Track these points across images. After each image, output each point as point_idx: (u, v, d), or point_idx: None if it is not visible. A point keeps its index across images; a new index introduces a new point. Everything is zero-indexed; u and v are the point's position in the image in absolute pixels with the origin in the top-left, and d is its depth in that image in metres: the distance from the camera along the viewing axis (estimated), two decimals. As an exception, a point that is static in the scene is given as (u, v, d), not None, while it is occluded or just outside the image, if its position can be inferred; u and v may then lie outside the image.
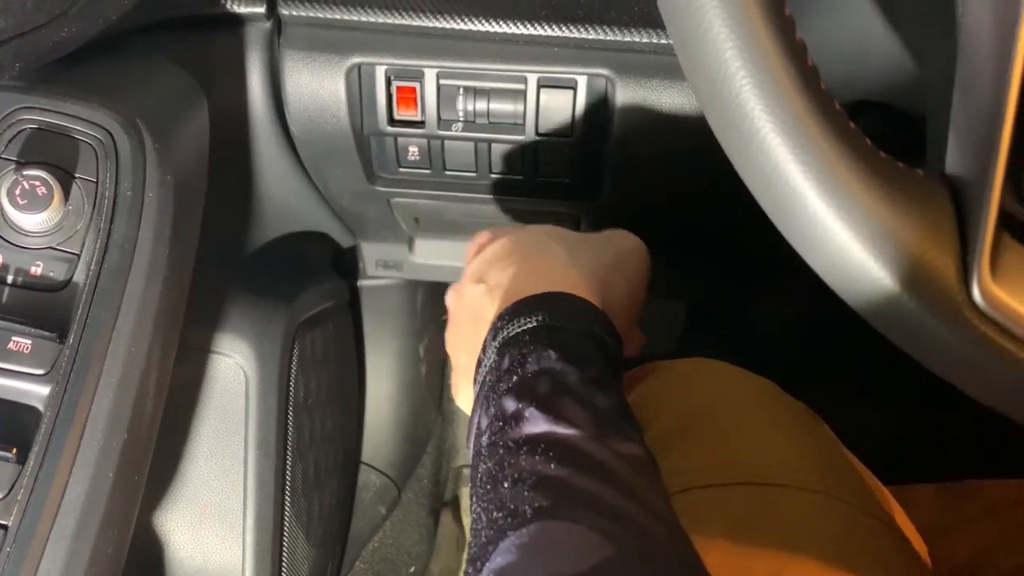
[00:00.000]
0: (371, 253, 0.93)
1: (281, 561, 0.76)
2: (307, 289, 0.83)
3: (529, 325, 0.40)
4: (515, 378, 0.37)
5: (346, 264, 0.96)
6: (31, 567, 0.41)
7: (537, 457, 0.34)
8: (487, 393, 0.39)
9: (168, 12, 0.57)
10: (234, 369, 0.72)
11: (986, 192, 0.30)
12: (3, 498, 0.42)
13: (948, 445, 0.93)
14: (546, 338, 0.38)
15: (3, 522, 0.42)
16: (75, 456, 0.43)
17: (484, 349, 0.42)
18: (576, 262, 0.46)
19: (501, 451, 0.35)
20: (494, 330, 0.41)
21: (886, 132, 0.44)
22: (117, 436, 0.45)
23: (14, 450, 0.42)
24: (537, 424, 0.35)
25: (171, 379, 0.54)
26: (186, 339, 0.56)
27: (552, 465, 0.33)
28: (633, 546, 0.31)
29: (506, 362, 0.39)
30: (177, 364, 0.55)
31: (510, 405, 0.36)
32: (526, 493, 0.33)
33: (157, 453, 0.52)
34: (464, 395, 0.49)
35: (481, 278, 0.46)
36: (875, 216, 0.31)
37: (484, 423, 0.38)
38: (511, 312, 0.41)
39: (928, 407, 0.93)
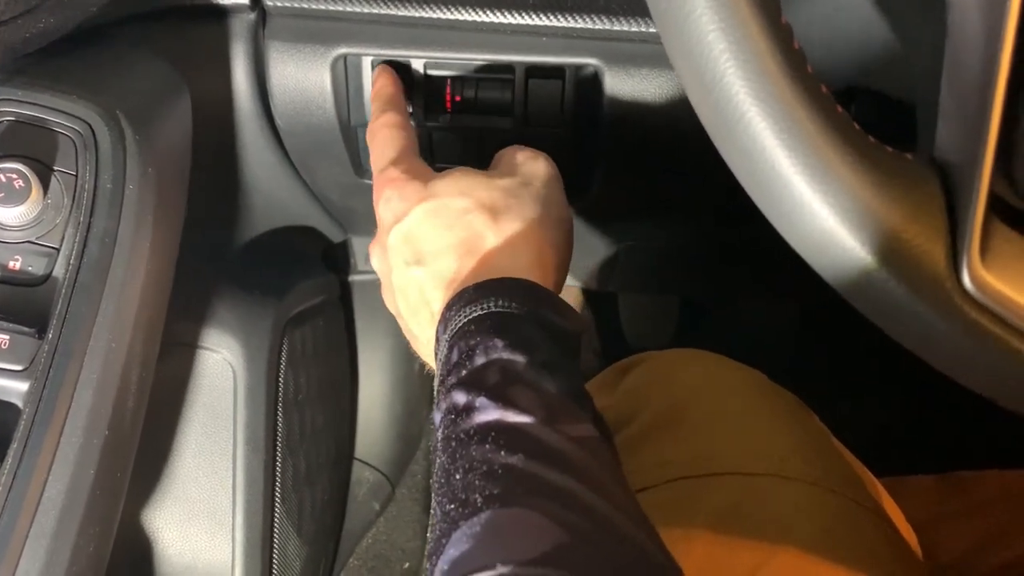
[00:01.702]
0: (362, 247, 0.92)
1: (272, 558, 0.76)
2: (297, 284, 0.83)
3: (474, 314, 0.39)
4: (464, 371, 0.37)
5: (337, 259, 0.95)
6: (10, 566, 0.41)
7: (487, 446, 0.34)
8: (438, 387, 0.39)
9: (150, 3, 0.57)
10: (221, 365, 0.71)
11: (976, 176, 0.30)
12: (-20, 497, 0.41)
13: (944, 437, 0.92)
14: (491, 327, 0.38)
15: (-19, 521, 0.41)
16: (55, 453, 0.42)
17: (437, 341, 0.41)
18: (502, 226, 0.43)
19: (453, 443, 0.35)
20: (444, 322, 0.41)
21: (874, 118, 0.43)
22: (98, 433, 0.44)
23: (-8, 448, 0.42)
24: (487, 413, 0.35)
25: (157, 375, 0.53)
26: (173, 334, 0.56)
27: (502, 453, 0.33)
28: (586, 531, 0.31)
29: (455, 355, 0.38)
30: (163, 360, 0.54)
31: (460, 398, 0.36)
32: (477, 482, 0.33)
33: (144, 450, 0.52)
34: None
35: (418, 260, 0.44)
36: (863, 201, 0.30)
37: (438, 418, 0.38)
38: (457, 302, 0.40)
39: (924, 399, 0.93)
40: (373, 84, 0.57)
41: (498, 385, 0.36)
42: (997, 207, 0.31)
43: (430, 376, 0.47)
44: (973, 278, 0.30)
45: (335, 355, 0.94)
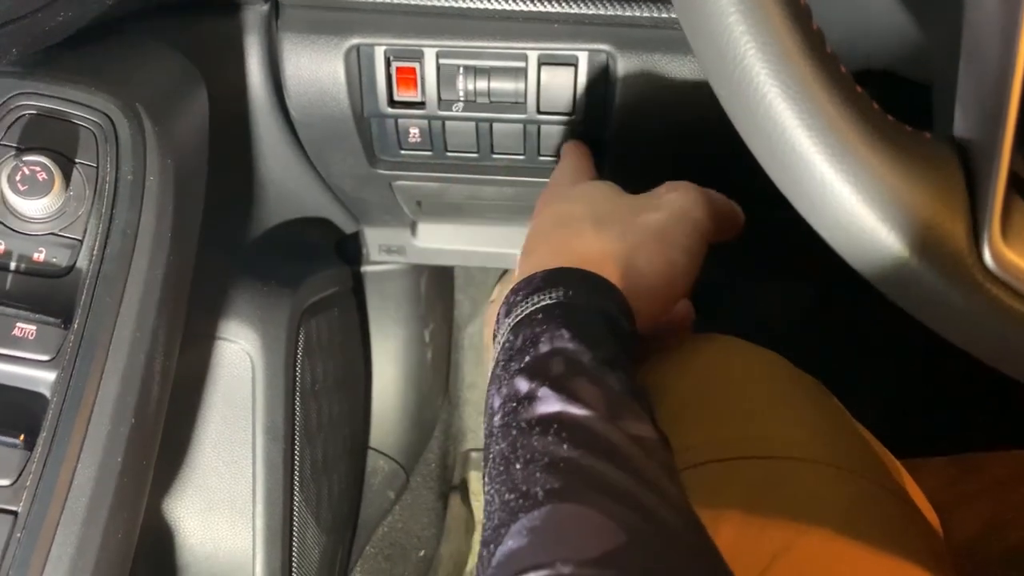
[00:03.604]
0: (374, 238, 0.93)
1: (291, 546, 0.77)
2: (311, 275, 0.83)
3: (542, 303, 0.39)
4: (528, 358, 0.37)
5: (350, 250, 0.96)
6: (42, 552, 0.41)
7: (550, 438, 0.33)
8: (499, 372, 0.39)
9: (165, -4, 0.57)
10: (240, 355, 0.72)
11: (995, 154, 0.30)
12: (12, 484, 0.42)
13: (961, 416, 0.92)
14: (559, 317, 0.38)
15: (12, 508, 0.42)
16: (83, 441, 0.43)
17: (498, 323, 0.41)
18: (601, 236, 0.44)
19: (514, 432, 0.35)
20: (507, 305, 0.41)
21: (892, 100, 0.43)
22: (124, 421, 0.45)
23: (22, 436, 0.42)
24: (550, 404, 0.35)
25: (177, 366, 0.54)
26: (191, 325, 0.56)
27: (565, 446, 0.33)
28: (645, 533, 0.30)
29: (519, 341, 0.38)
30: (183, 351, 0.55)
31: (523, 385, 0.36)
32: (538, 475, 0.32)
33: (165, 440, 0.52)
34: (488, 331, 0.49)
35: (529, 251, 0.47)
36: (884, 180, 0.30)
37: (497, 403, 0.37)
38: (524, 288, 0.40)
39: (941, 378, 0.93)
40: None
41: (562, 376, 0.35)
42: (1017, 184, 0.31)
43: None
44: (994, 255, 0.30)
45: (349, 345, 0.94)
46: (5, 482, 0.42)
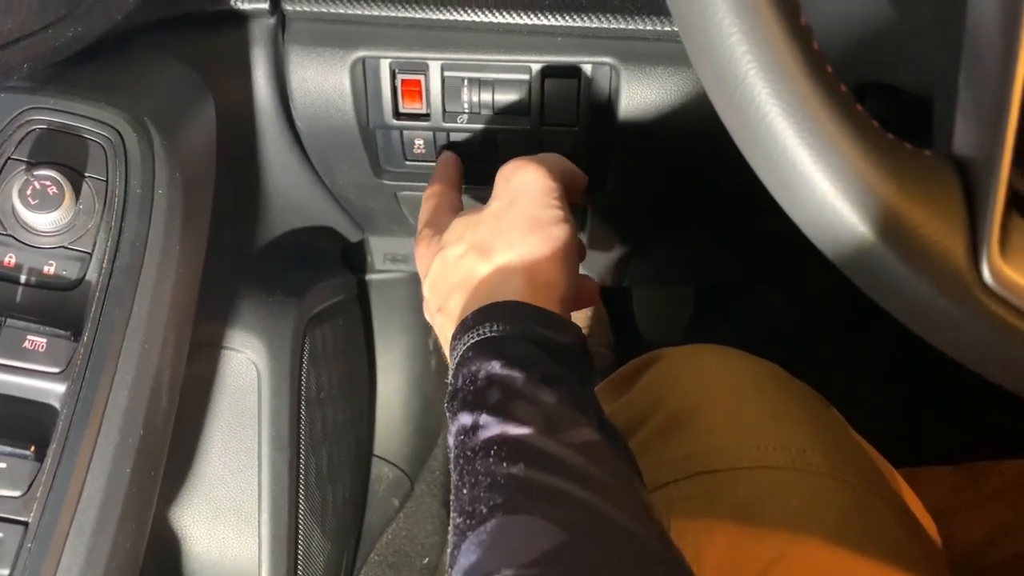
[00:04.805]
0: (379, 247, 0.93)
1: (297, 554, 0.77)
2: (316, 284, 0.84)
3: (472, 341, 0.41)
4: (467, 395, 0.39)
5: (355, 258, 0.96)
6: (52, 563, 0.42)
7: (491, 459, 0.36)
8: (448, 414, 0.41)
9: (173, 10, 0.58)
10: (246, 364, 0.72)
11: (995, 171, 0.31)
12: (22, 495, 0.42)
13: (960, 428, 0.93)
14: (488, 350, 0.40)
15: (23, 519, 0.42)
16: (92, 453, 0.44)
17: (449, 372, 0.44)
18: (492, 261, 0.46)
19: (461, 461, 0.37)
20: (451, 351, 0.44)
21: (891, 114, 0.44)
22: (133, 432, 0.45)
23: (32, 448, 0.43)
24: (490, 429, 0.37)
25: (184, 375, 0.54)
26: (198, 335, 0.57)
27: (505, 464, 0.35)
28: (585, 529, 0.32)
29: (459, 381, 0.41)
30: (189, 360, 0.55)
31: (466, 419, 0.38)
32: (482, 494, 0.34)
33: (172, 449, 0.53)
34: None
35: (440, 307, 0.49)
36: (883, 198, 0.31)
37: (451, 441, 0.40)
38: (457, 334, 0.43)
39: (940, 390, 0.93)
40: (436, 161, 0.62)
41: (499, 402, 0.38)
42: (1016, 202, 0.32)
43: (446, 374, 0.49)
44: (993, 272, 0.31)
45: (354, 353, 0.95)
46: (16, 493, 0.42)
